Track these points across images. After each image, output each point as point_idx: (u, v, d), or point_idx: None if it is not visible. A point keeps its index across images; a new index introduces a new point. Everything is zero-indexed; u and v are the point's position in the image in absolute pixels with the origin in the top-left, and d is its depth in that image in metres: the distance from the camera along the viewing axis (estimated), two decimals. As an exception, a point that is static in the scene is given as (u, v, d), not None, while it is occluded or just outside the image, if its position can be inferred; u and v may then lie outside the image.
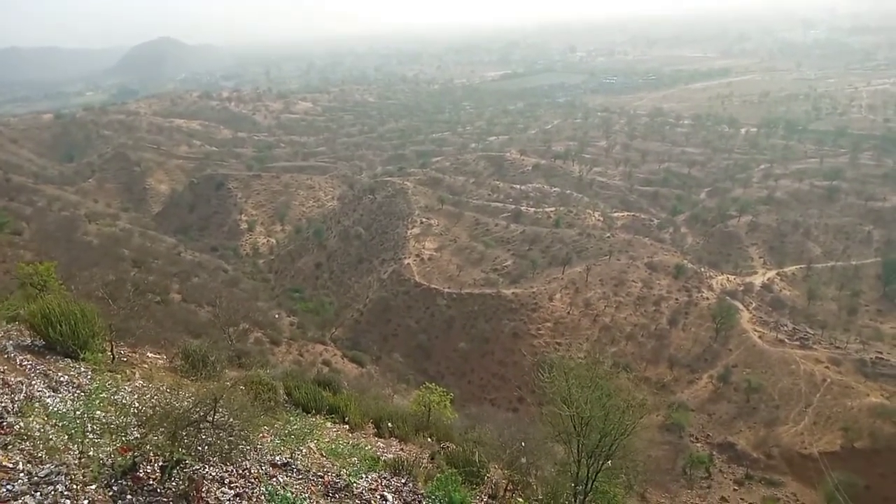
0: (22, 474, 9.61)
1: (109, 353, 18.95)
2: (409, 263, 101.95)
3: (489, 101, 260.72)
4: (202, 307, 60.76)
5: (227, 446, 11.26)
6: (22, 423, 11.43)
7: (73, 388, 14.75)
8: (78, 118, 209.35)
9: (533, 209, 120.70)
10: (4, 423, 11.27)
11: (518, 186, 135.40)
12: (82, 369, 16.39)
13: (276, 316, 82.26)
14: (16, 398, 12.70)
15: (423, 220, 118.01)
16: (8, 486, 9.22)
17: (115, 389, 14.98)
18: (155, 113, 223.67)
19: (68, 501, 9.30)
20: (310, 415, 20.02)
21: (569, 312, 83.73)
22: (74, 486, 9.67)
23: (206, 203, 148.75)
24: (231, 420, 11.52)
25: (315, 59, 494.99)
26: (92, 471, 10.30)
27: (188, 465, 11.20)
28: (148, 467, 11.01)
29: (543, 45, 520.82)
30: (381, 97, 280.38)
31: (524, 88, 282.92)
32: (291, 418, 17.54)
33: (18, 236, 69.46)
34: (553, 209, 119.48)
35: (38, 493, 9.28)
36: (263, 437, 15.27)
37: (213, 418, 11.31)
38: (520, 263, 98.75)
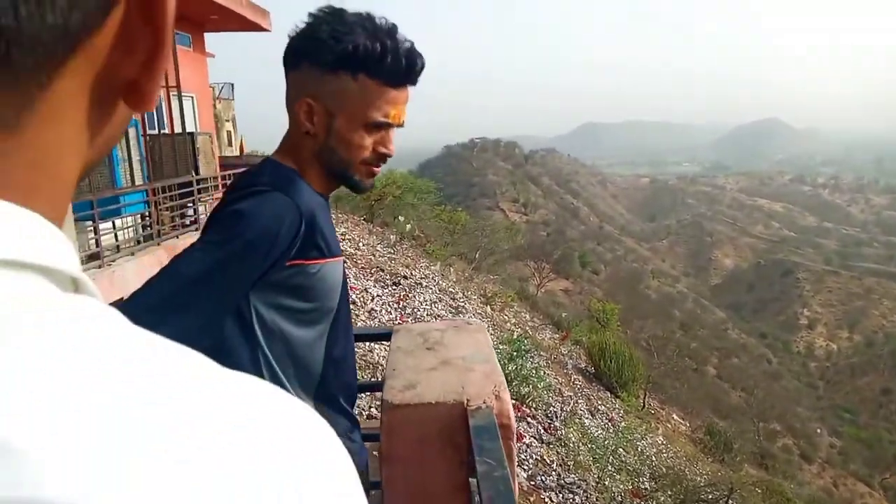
0: (554, 473, 11.21)
1: (641, 401, 20.26)
2: None
3: None
4: (735, 390, 58.51)
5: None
6: (563, 431, 13.32)
7: (605, 418, 16.38)
8: (670, 185, 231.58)
9: None
10: (552, 426, 13.36)
11: None
12: (616, 406, 18.02)
13: (818, 431, 71.88)
14: (564, 408, 14.89)
15: None
16: (542, 478, 10.89)
17: (639, 436, 15.86)
18: (740, 189, 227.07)
19: (579, 516, 10.30)
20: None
21: None
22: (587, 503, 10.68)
23: (768, 287, 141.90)
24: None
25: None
26: (604, 497, 11.17)
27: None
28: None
29: None
30: None
31: None
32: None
33: (595, 275, 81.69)
34: None
35: (560, 496, 10.62)
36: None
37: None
38: None
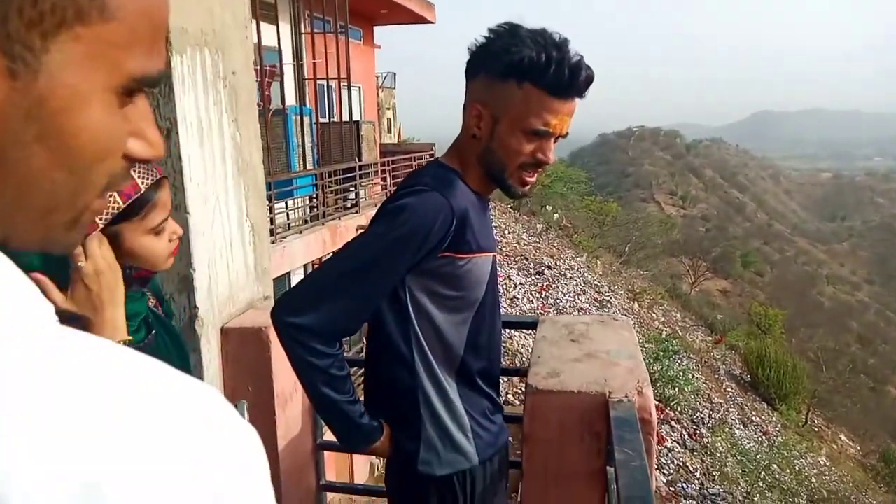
0: (697, 482, 10.67)
1: (803, 417, 18.52)
2: None
3: None
4: (921, 416, 51.28)
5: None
6: (710, 439, 12.59)
7: (759, 431, 15.21)
8: (857, 181, 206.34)
9: None
10: (698, 432, 12.69)
11: None
12: (773, 419, 16.63)
13: None
14: (713, 415, 14.06)
15: None
16: (683, 485, 10.41)
17: (797, 453, 14.56)
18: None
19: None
20: None
21: None
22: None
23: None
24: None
25: None
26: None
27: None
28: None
29: None
30: None
31: None
32: None
33: (760, 277, 75.25)
34: None
35: (703, 506, 10.10)
36: None
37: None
38: None
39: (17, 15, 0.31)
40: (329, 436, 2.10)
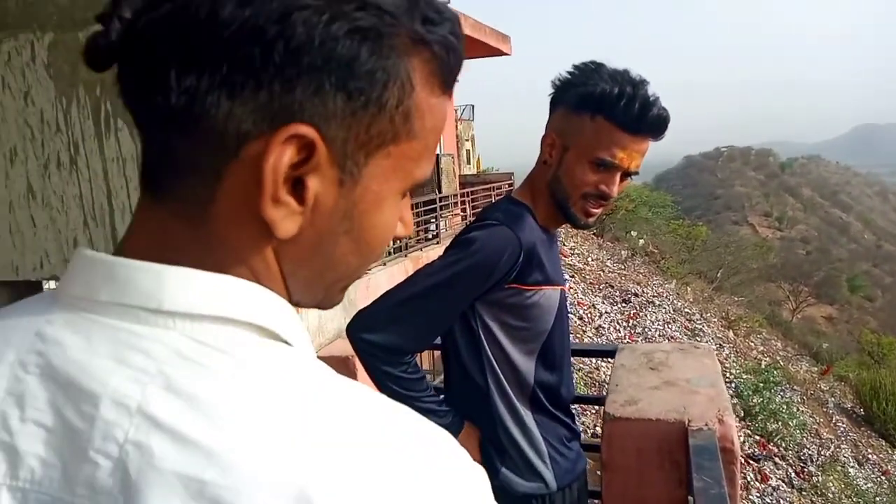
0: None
1: (929, 456, 16.81)
2: None
3: None
4: None
5: None
6: (820, 478, 11.68)
7: (877, 470, 13.93)
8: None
9: None
10: (805, 470, 11.81)
11: None
12: (894, 457, 15.21)
13: None
14: (822, 452, 13.04)
15: None
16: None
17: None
18: None
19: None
20: None
21: None
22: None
23: None
24: None
25: None
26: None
27: None
28: None
29: None
30: None
31: None
32: None
33: (870, 302, 69.63)
34: None
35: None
36: None
37: None
38: None
39: (353, 139, 0.39)
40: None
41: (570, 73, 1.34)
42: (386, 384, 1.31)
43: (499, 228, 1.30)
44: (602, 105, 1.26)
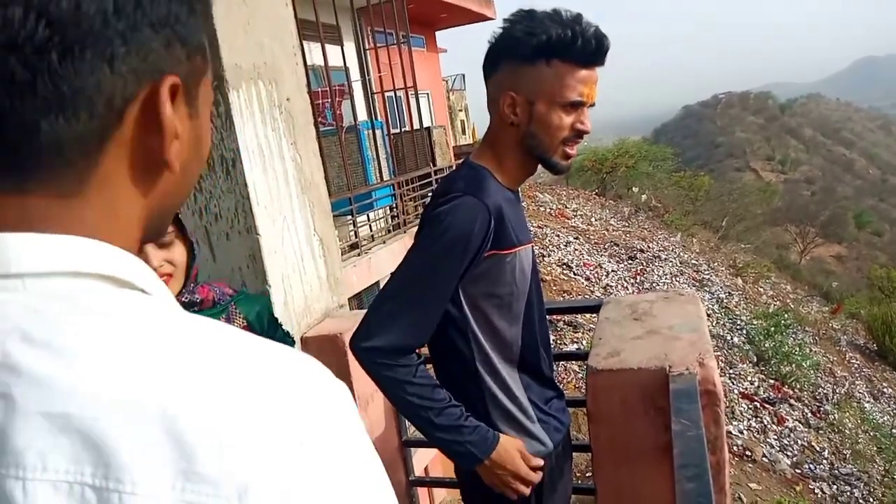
0: (826, 462, 10.00)
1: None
2: None
3: None
4: None
5: None
6: (836, 415, 11.76)
7: (894, 403, 14.02)
8: None
9: None
10: (821, 409, 11.89)
11: None
12: (910, 388, 15.29)
13: None
14: (837, 390, 13.12)
15: None
16: (810, 466, 9.79)
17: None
18: None
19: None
20: None
21: None
22: (871, 499, 9.35)
23: None
24: None
25: None
26: (893, 493, 9.67)
27: None
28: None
29: None
30: None
31: None
32: None
33: (878, 237, 69.21)
34: None
35: (835, 487, 9.46)
36: None
37: None
38: None
39: (190, 77, 0.46)
40: (415, 433, 2.18)
41: (505, 27, 1.31)
42: (397, 394, 1.28)
43: (464, 199, 1.28)
44: (558, 49, 1.26)
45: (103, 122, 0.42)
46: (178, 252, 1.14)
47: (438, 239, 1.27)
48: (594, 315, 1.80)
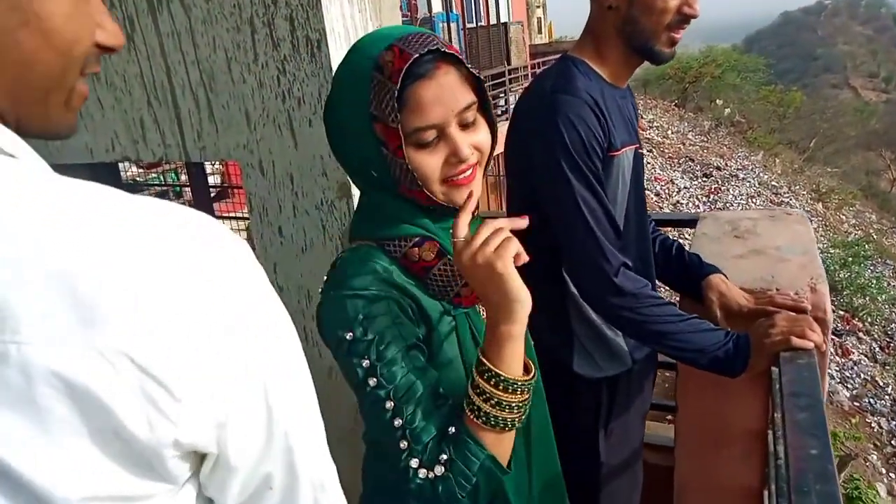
0: (888, 398, 9.77)
1: None
2: None
3: None
4: None
5: None
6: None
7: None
8: None
9: None
10: (892, 345, 11.48)
11: None
12: None
13: None
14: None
15: None
16: (870, 400, 9.60)
17: None
18: None
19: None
20: None
21: None
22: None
23: None
24: None
25: None
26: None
27: None
28: None
29: None
30: None
31: None
32: None
33: None
34: None
35: (893, 423, 9.28)
36: None
37: None
38: None
39: None
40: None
41: None
42: (649, 329, 1.17)
43: (563, 100, 1.17)
44: None
45: None
46: (484, 134, 0.93)
47: (566, 148, 1.15)
48: (689, 230, 1.69)
